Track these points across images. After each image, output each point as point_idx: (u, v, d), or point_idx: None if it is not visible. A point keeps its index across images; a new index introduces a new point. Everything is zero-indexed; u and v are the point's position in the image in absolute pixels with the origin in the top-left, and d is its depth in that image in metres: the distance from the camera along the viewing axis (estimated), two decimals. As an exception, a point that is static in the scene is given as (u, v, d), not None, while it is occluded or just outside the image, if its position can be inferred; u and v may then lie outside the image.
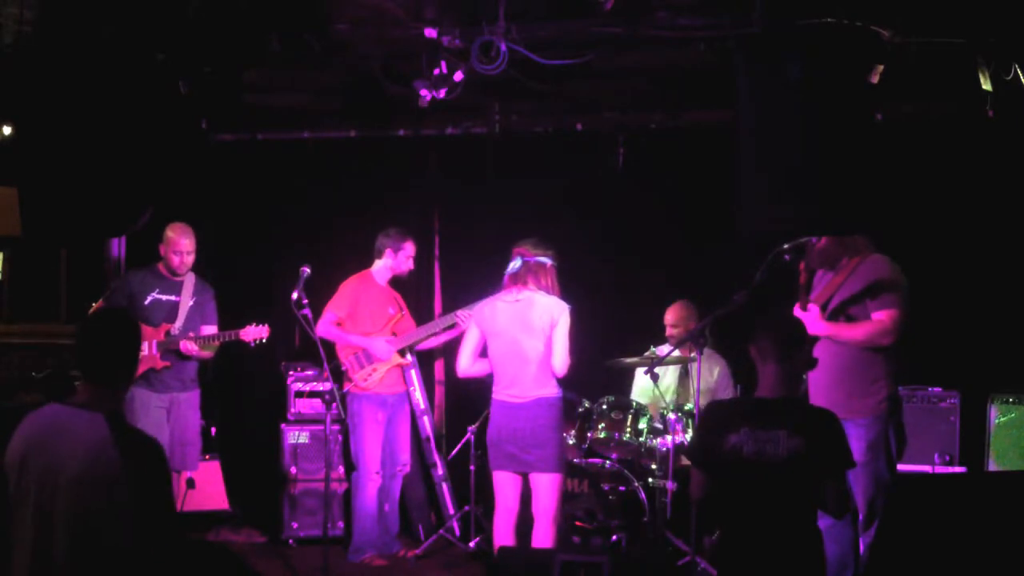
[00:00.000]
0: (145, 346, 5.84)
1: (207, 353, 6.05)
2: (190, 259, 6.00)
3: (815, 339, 4.59)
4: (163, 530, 3.14)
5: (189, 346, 5.90)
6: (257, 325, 6.00)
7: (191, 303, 6.02)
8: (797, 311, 4.65)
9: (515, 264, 5.30)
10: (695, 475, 3.87)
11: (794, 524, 3.67)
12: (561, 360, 5.16)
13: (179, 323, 5.97)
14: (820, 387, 4.60)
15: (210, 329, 6.06)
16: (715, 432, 3.74)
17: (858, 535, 4.56)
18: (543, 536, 5.11)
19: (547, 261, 5.29)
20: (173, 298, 6.01)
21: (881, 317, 4.59)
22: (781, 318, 4.02)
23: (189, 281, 6.05)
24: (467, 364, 5.42)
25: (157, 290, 5.99)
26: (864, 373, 4.61)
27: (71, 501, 3.08)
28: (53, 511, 3.10)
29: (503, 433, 5.20)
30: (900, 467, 4.80)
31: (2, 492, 3.19)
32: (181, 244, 5.95)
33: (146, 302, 5.95)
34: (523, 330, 5.19)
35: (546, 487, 5.12)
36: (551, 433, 5.14)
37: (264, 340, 6.04)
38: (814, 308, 4.61)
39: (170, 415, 5.91)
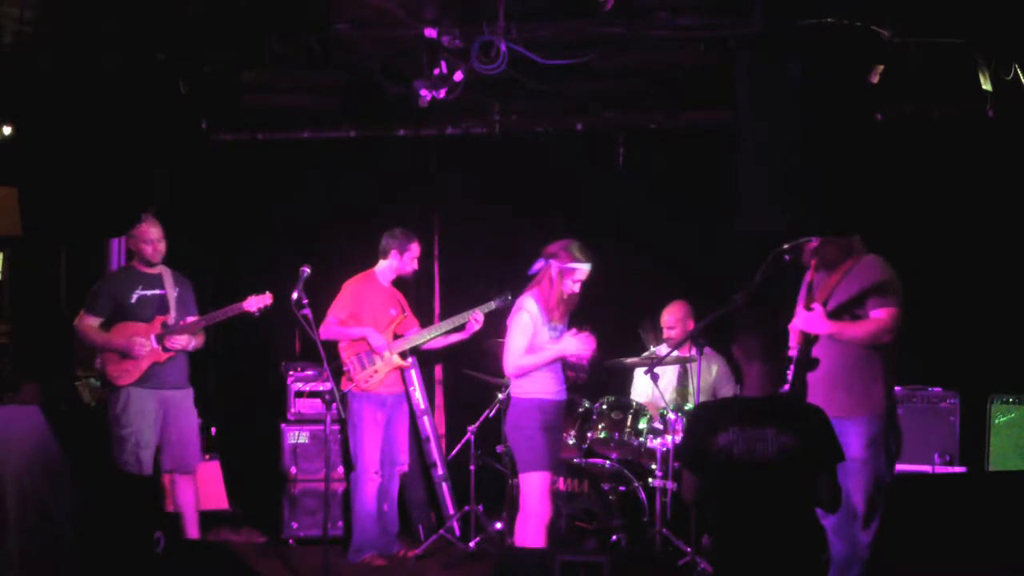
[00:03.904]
0: (144, 342, 5.80)
1: (199, 338, 5.97)
2: (162, 246, 5.88)
3: (815, 339, 4.61)
4: (109, 496, 3.18)
5: (177, 339, 5.85)
6: (258, 295, 5.87)
7: (175, 295, 5.98)
8: (800, 310, 4.66)
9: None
10: (686, 477, 3.87)
11: (789, 521, 3.67)
12: (505, 360, 5.15)
13: (174, 313, 5.90)
14: (820, 387, 4.60)
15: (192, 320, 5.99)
16: (704, 434, 3.74)
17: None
18: (519, 535, 5.10)
19: (544, 262, 5.20)
20: (158, 292, 5.90)
21: (881, 315, 4.60)
22: (764, 317, 4.03)
23: (167, 275, 5.95)
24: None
25: (141, 287, 5.88)
26: (863, 372, 4.62)
27: (18, 493, 3.10)
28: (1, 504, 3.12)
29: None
30: (900, 467, 4.81)
31: None
32: (150, 233, 5.84)
33: (132, 300, 5.84)
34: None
35: (521, 487, 5.13)
36: (512, 432, 5.14)
37: (269, 307, 5.87)
38: (818, 307, 4.62)
39: (167, 415, 5.86)
